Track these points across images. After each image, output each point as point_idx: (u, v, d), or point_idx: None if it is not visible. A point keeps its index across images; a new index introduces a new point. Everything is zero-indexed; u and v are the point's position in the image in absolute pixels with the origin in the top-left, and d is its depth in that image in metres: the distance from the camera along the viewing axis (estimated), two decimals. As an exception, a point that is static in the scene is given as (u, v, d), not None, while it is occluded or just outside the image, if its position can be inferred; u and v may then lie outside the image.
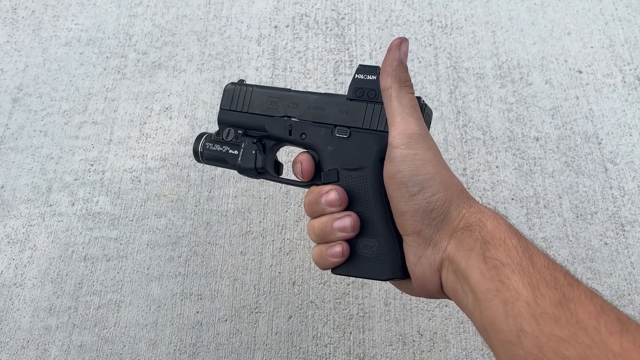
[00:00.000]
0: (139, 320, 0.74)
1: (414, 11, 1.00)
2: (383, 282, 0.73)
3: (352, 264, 0.48)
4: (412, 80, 0.90)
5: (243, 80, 0.57)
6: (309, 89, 0.91)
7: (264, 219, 0.80)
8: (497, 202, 0.81)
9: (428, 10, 1.00)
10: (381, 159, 0.47)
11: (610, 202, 0.81)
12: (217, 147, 0.58)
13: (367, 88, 0.50)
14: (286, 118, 0.54)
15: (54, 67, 0.94)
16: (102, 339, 0.73)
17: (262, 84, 0.53)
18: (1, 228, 0.80)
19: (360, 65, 0.51)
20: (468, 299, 0.40)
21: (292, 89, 0.55)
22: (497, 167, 0.84)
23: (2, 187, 0.83)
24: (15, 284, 0.76)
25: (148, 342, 0.73)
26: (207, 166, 0.84)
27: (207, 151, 0.59)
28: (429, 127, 0.49)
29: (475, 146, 0.86)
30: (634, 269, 0.77)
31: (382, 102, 0.48)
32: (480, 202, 0.43)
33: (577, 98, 0.90)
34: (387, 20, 0.99)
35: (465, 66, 0.94)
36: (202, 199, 0.82)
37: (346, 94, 0.52)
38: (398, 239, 0.47)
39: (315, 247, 0.49)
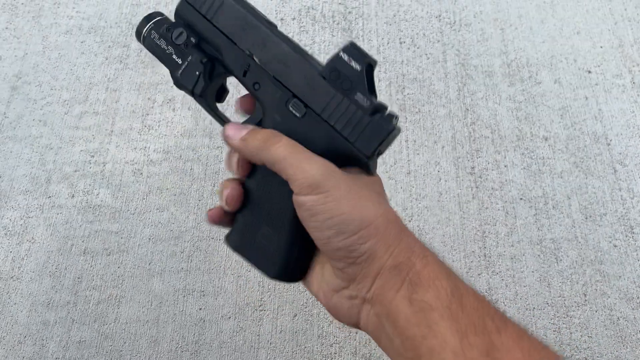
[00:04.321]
0: (140, 316, 0.72)
1: (422, 6, 0.98)
2: None
3: (247, 245, 0.43)
4: (421, 77, 0.89)
5: None
6: (316, 84, 0.89)
7: (268, 214, 0.79)
8: (506, 201, 0.80)
9: (436, 5, 0.98)
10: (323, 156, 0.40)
11: (620, 204, 0.80)
12: (162, 44, 0.49)
13: (344, 75, 0.41)
14: (248, 53, 0.45)
15: (54, 55, 0.92)
16: (101, 335, 0.71)
17: None
18: (-2, 219, 0.78)
19: (351, 42, 0.41)
20: (393, 345, 0.37)
21: (273, 26, 0.45)
22: (505, 166, 0.83)
23: (0, 177, 0.81)
24: (12, 277, 0.74)
25: (149, 339, 0.71)
26: (211, 160, 0.82)
27: (150, 40, 0.49)
28: (387, 148, 0.43)
29: (483, 145, 0.85)
30: (643, 271, 0.76)
31: (352, 100, 0.41)
32: (413, 236, 0.40)
33: (587, 98, 0.89)
34: (395, 15, 0.97)
35: (474, 63, 0.92)
36: (206, 193, 0.80)
37: (324, 63, 0.42)
38: (303, 246, 0.42)
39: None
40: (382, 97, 0.88)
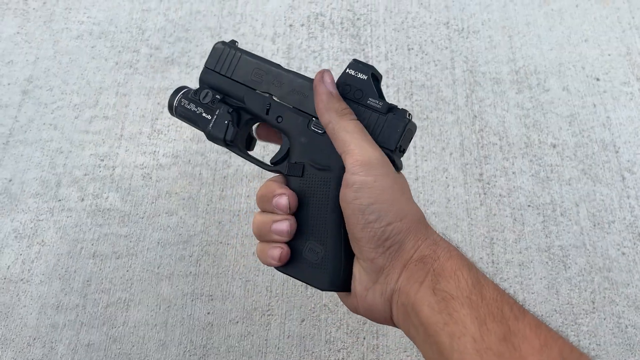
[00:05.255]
0: (148, 320, 0.72)
1: (431, 13, 0.99)
2: None
3: (295, 264, 0.47)
4: (429, 83, 0.89)
5: (235, 42, 0.54)
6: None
7: (277, 219, 0.79)
8: (514, 208, 0.80)
9: (444, 13, 0.99)
10: None
11: (628, 212, 0.80)
12: (192, 107, 0.55)
13: (354, 87, 0.47)
14: (267, 95, 0.51)
15: (65, 60, 0.92)
16: (110, 338, 0.71)
17: (253, 52, 0.54)
18: (9, 222, 0.78)
19: (354, 59, 0.48)
20: (419, 333, 0.39)
21: (283, 66, 0.52)
22: (513, 173, 0.83)
23: (11, 180, 0.81)
24: (22, 280, 0.74)
25: (157, 342, 0.71)
26: (219, 165, 0.83)
27: (181, 108, 0.56)
28: (409, 143, 0.48)
29: (491, 151, 0.85)
30: (651, 279, 0.76)
31: (365, 105, 0.47)
32: (437, 233, 0.43)
33: (595, 106, 0.89)
34: (403, 22, 0.97)
35: (482, 70, 0.92)
36: (214, 198, 0.80)
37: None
38: (348, 253, 0.46)
39: (258, 243, 0.48)
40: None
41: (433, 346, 0.37)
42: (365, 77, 0.47)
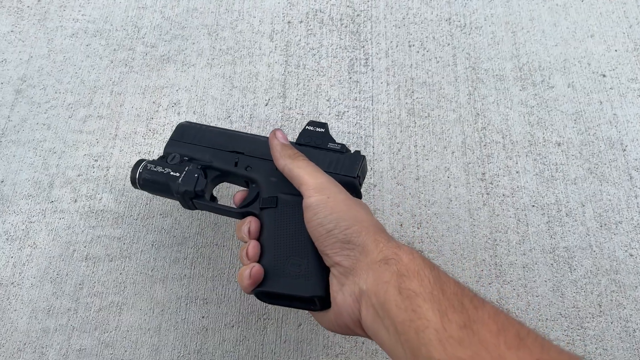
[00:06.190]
0: (141, 324, 0.71)
1: (432, 9, 0.96)
2: None
3: (279, 279, 0.51)
4: (430, 80, 0.87)
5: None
6: (322, 87, 0.88)
7: (274, 220, 0.77)
8: (517, 209, 0.78)
9: (446, 8, 0.97)
10: None
11: (636, 212, 0.78)
12: (159, 169, 0.61)
13: (314, 138, 0.59)
14: (236, 152, 0.61)
15: (59, 58, 0.91)
16: (102, 343, 0.69)
17: (213, 125, 0.66)
18: (0, 224, 0.77)
19: (310, 120, 0.61)
20: (390, 333, 0.41)
21: (241, 131, 0.64)
22: (517, 172, 0.81)
23: (2, 181, 0.80)
24: (12, 283, 0.73)
25: (151, 347, 0.69)
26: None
27: (147, 171, 0.61)
28: (364, 178, 0.59)
29: (494, 150, 0.83)
30: (660, 282, 0.73)
31: (326, 148, 0.58)
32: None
33: (601, 103, 0.87)
34: (404, 18, 0.95)
35: (485, 67, 0.90)
36: (210, 199, 0.79)
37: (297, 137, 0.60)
38: (324, 265, 0.51)
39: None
40: (390, 101, 0.87)
41: (405, 344, 0.39)
42: (322, 129, 0.59)
